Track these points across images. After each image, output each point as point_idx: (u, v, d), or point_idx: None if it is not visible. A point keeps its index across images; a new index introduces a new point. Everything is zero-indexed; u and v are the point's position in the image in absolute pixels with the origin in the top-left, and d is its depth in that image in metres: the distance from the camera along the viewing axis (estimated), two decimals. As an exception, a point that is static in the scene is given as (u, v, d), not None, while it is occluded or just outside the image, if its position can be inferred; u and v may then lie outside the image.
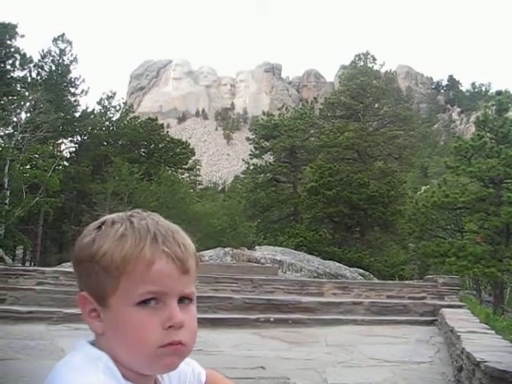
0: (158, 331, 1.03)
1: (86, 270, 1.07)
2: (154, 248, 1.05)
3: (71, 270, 1.15)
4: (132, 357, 1.04)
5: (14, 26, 37.34)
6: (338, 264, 27.42)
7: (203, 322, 10.28)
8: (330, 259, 30.00)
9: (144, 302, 1.03)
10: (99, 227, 1.10)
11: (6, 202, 31.36)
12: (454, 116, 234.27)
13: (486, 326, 9.26)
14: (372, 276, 27.97)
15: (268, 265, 21.37)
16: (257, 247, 28.21)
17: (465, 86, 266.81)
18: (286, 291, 13.95)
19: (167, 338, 1.04)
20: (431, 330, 11.58)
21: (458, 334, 7.48)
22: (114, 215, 1.12)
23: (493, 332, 8.31)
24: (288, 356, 8.46)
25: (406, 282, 19.26)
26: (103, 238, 1.07)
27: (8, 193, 31.79)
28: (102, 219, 1.12)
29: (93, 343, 1.09)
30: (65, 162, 42.21)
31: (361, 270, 28.04)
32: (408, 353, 8.75)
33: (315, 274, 23.15)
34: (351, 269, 27.09)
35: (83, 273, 1.09)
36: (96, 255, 1.05)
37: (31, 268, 15.19)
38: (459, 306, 13.02)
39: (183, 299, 1.08)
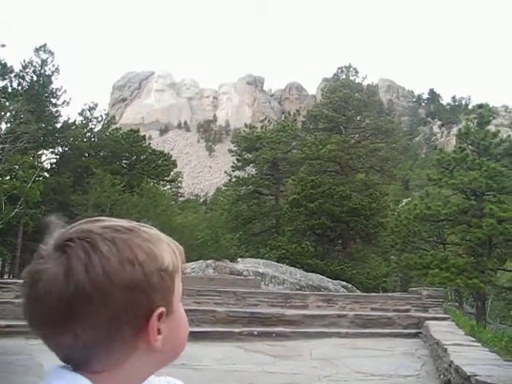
0: None
1: (154, 283, 0.97)
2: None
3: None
4: (179, 349, 1.05)
5: (-5, 36, 37.03)
6: (320, 276, 27.32)
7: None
8: (312, 271, 29.90)
9: None
10: (150, 238, 1.01)
11: (-15, 213, 30.92)
12: (435, 129, 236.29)
13: (471, 338, 9.22)
14: (355, 288, 27.92)
15: (250, 277, 21.24)
16: (239, 259, 28.03)
17: (445, 100, 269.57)
18: (270, 304, 13.84)
19: None
20: (416, 342, 11.52)
21: (445, 346, 7.42)
22: (120, 223, 1.03)
23: (479, 344, 8.27)
24: (273, 370, 8.34)
25: (391, 294, 19.20)
26: (158, 248, 1.01)
27: (-13, 204, 31.33)
28: (104, 228, 0.99)
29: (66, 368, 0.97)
30: (45, 173, 41.78)
31: (344, 283, 27.96)
32: (394, 366, 8.67)
33: (298, 287, 23.04)
34: (334, 281, 27.01)
35: (149, 288, 0.97)
36: (163, 265, 0.99)
37: (10, 281, 14.94)
38: (444, 319, 12.99)
39: None
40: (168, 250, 1.02)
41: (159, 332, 0.98)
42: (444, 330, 10.03)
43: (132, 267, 0.94)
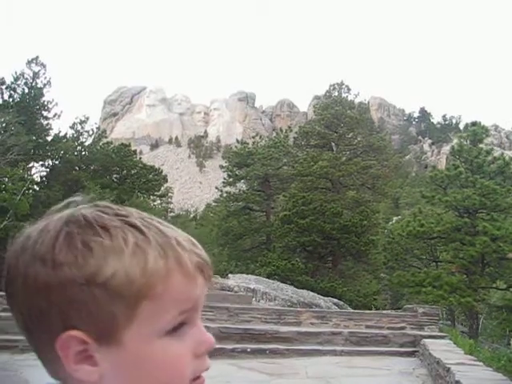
0: (191, 362, 0.77)
1: (75, 298, 0.72)
2: (188, 259, 0.77)
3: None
4: None
5: (-13, 48, 36.86)
6: (312, 293, 27.10)
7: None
8: (302, 288, 29.67)
9: (173, 329, 0.76)
10: (79, 235, 0.74)
11: (-27, 225, 30.54)
12: (426, 147, 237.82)
13: (472, 357, 8.98)
14: (347, 305, 27.70)
15: (241, 293, 21.00)
16: (230, 275, 27.78)
17: (436, 118, 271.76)
18: (263, 320, 13.58)
19: (200, 367, 0.78)
20: (413, 361, 11.29)
21: (447, 366, 7.18)
22: (86, 212, 0.77)
23: (481, 364, 8.03)
24: (269, 389, 8.08)
25: (385, 311, 19.00)
26: (102, 251, 0.72)
27: (-25, 216, 30.97)
28: (66, 216, 0.77)
29: None
30: (35, 186, 41.46)
31: (335, 300, 27.73)
32: (393, 385, 8.43)
33: (289, 303, 22.78)
34: (325, 298, 26.79)
35: (66, 303, 0.72)
36: (97, 276, 0.72)
37: (-4, 294, 14.58)
38: (441, 337, 12.76)
39: None
40: (139, 263, 0.73)
41: (94, 363, 0.74)
42: (443, 349, 9.80)
43: (43, 267, 0.73)
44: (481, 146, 29.12)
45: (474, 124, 29.62)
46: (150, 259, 0.73)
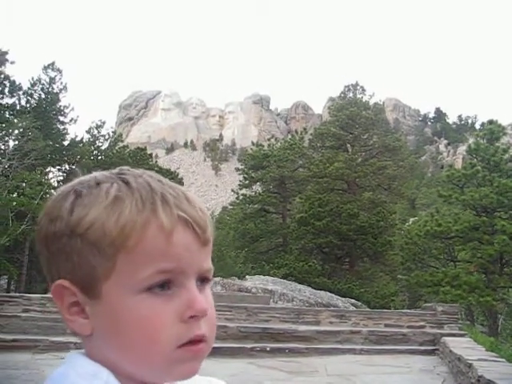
0: (174, 325, 0.75)
1: (63, 249, 0.75)
2: (166, 212, 0.75)
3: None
4: (138, 363, 0.74)
5: (5, 53, 37.12)
6: (329, 294, 27.09)
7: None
8: (319, 290, 29.64)
9: (154, 287, 0.74)
10: (76, 190, 0.77)
11: (-8, 230, 30.77)
12: (441, 148, 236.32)
13: (494, 354, 8.91)
14: (365, 306, 27.61)
15: (259, 294, 21.02)
16: (247, 277, 27.84)
17: (451, 119, 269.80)
18: (282, 320, 13.57)
19: (188, 332, 0.75)
20: (433, 359, 11.23)
21: (469, 362, 7.13)
22: (96, 174, 0.79)
23: (504, 360, 7.95)
24: (289, 386, 8.07)
25: (404, 310, 18.91)
26: (87, 203, 0.74)
27: (-6, 221, 31.19)
28: (78, 180, 0.80)
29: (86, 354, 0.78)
30: (52, 191, 41.72)
31: (353, 300, 27.70)
32: (413, 383, 8.38)
33: (307, 304, 22.78)
34: (343, 299, 26.75)
35: (58, 254, 0.76)
36: (78, 227, 0.74)
37: (17, 294, 14.72)
38: (461, 335, 12.68)
39: (201, 279, 0.79)
40: (114, 214, 0.73)
41: (86, 316, 0.76)
42: (464, 346, 9.73)
43: (46, 221, 0.78)
44: (497, 144, 28.88)
45: (490, 122, 29.37)
46: (126, 210, 0.74)
